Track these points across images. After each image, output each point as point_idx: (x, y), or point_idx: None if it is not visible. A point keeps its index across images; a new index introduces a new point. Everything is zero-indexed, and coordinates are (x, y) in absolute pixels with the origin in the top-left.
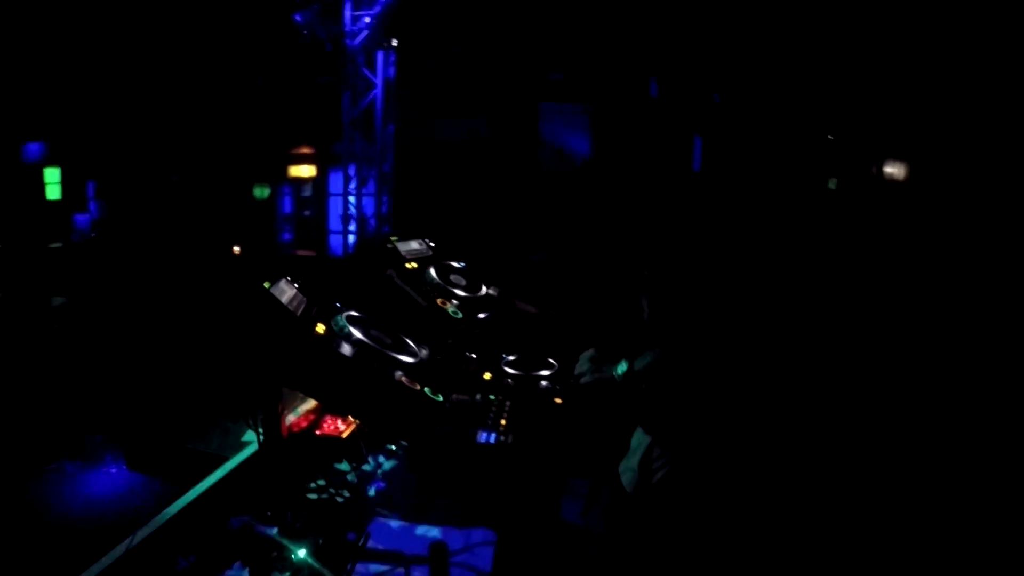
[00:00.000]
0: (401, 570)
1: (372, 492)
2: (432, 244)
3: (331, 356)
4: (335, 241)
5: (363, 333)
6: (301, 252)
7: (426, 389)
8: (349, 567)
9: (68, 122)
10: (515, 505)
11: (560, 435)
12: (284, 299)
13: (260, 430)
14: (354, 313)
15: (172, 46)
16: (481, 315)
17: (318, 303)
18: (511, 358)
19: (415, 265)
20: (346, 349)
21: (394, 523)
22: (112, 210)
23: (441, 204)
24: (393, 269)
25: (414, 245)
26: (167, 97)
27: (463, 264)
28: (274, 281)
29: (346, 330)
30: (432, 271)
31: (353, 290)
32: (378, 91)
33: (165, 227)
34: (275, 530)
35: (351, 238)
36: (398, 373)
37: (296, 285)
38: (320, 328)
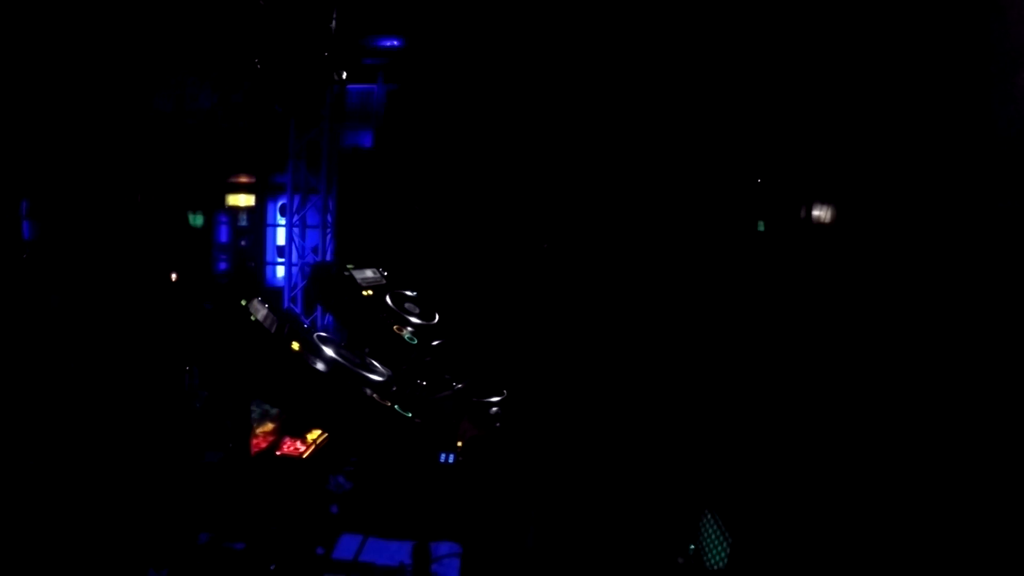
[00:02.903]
0: None
1: (336, 509)
2: (385, 273)
3: (306, 372)
4: (272, 272)
5: (334, 352)
6: None
7: (396, 406)
8: None
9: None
10: (477, 519)
11: (510, 457)
12: (259, 317)
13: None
14: (324, 334)
15: (115, 62)
16: (434, 342)
17: (288, 322)
18: (460, 385)
19: (371, 292)
20: (320, 366)
21: (361, 538)
22: (45, 231)
23: (384, 235)
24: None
25: (369, 273)
26: (108, 116)
27: (415, 293)
28: (249, 300)
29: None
30: (388, 299)
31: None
32: (325, 124)
33: (101, 249)
34: (242, 545)
35: (294, 270)
36: (367, 390)
37: (267, 305)
38: (295, 345)
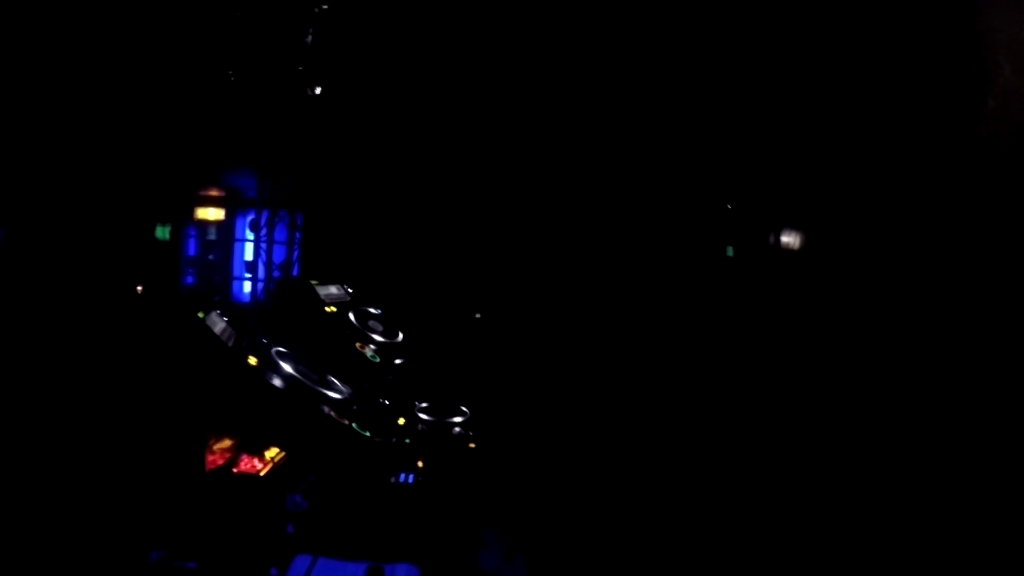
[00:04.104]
0: None
1: (292, 529)
2: (350, 290)
3: (262, 387)
4: (238, 287)
5: (293, 368)
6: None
7: (353, 424)
8: None
9: None
10: (435, 541)
11: (474, 478)
12: (216, 330)
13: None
14: (282, 349)
15: (83, 70)
16: (397, 361)
17: (247, 336)
18: (424, 404)
19: (334, 309)
20: (277, 381)
21: (317, 559)
22: (12, 237)
23: (353, 252)
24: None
25: (333, 290)
26: (77, 124)
27: (379, 311)
28: (207, 312)
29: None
30: (351, 316)
31: (275, 329)
32: (297, 139)
33: (68, 258)
34: (194, 564)
35: (259, 285)
36: (325, 408)
37: (226, 319)
38: (252, 360)
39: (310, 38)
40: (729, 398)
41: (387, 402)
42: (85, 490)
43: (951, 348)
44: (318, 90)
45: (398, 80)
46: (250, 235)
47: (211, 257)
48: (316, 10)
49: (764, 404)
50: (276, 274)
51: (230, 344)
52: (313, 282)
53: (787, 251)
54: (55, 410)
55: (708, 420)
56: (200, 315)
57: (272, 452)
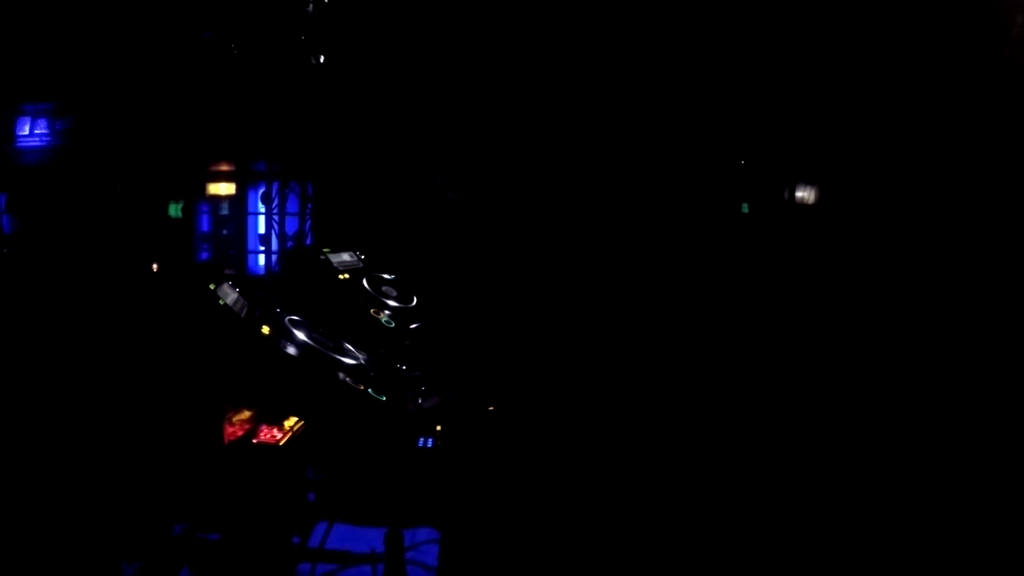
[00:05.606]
0: (347, 569)
1: (313, 497)
2: (363, 256)
3: (277, 356)
4: (253, 260)
5: (307, 335)
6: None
7: (369, 389)
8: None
9: None
10: (455, 504)
11: (492, 441)
12: (228, 301)
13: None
14: (296, 317)
15: (91, 52)
16: (412, 325)
17: (260, 306)
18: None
19: (347, 276)
20: (291, 350)
21: (338, 525)
22: (25, 224)
23: (364, 220)
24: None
25: (345, 257)
26: (85, 108)
27: (393, 276)
28: (218, 284)
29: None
30: (365, 282)
31: (289, 298)
32: (304, 109)
33: (82, 242)
34: (217, 535)
35: (273, 257)
36: (341, 374)
37: (238, 289)
38: (265, 329)
39: (311, 7)
40: (742, 355)
41: (403, 367)
42: (108, 465)
43: (964, 299)
44: (322, 59)
45: (402, 46)
46: (262, 208)
47: (225, 232)
48: None
49: (777, 359)
50: (289, 245)
51: (243, 314)
52: (325, 250)
53: (802, 206)
54: (76, 388)
55: (722, 379)
56: (212, 287)
57: (291, 421)
